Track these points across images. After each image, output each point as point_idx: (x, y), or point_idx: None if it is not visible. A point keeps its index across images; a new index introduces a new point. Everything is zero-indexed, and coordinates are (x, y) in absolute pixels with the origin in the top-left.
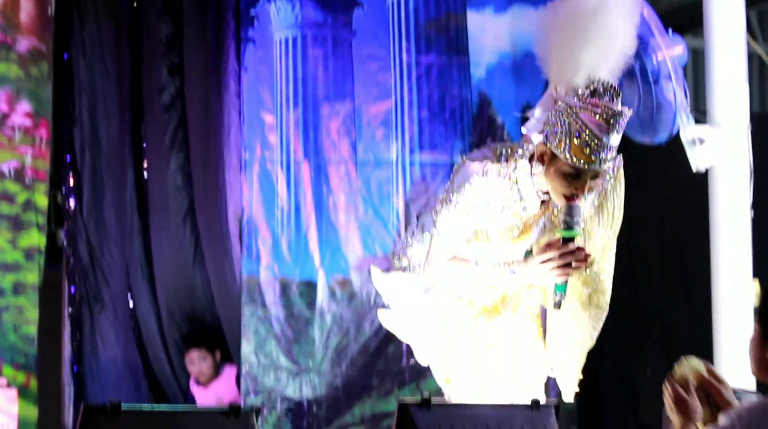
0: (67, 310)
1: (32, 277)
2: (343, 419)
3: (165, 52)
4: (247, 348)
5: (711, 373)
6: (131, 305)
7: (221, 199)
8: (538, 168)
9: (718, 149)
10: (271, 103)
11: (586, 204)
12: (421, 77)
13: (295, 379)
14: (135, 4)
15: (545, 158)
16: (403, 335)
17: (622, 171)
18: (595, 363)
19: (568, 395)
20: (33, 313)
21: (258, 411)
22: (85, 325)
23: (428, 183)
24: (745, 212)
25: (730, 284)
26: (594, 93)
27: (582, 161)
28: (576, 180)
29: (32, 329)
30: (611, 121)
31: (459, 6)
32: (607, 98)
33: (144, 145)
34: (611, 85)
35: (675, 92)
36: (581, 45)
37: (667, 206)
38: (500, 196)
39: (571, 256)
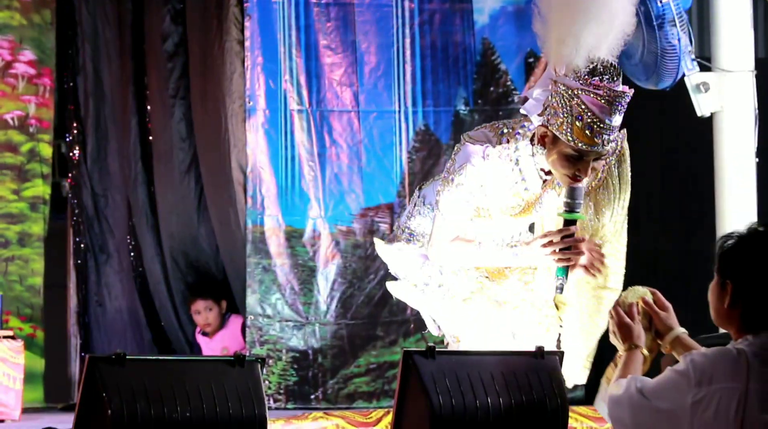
0: (72, 261)
1: (37, 227)
2: (348, 369)
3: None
4: (252, 298)
5: (656, 299)
6: (135, 255)
7: (225, 148)
8: (540, 150)
9: (722, 95)
10: (273, 51)
11: (589, 178)
12: (423, 25)
13: (300, 329)
14: None
15: (547, 140)
16: (413, 303)
17: (626, 144)
18: None
19: (572, 381)
20: (38, 264)
21: (263, 361)
22: (91, 275)
23: (431, 132)
24: (750, 158)
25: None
26: (594, 73)
27: (585, 144)
28: (579, 161)
29: (38, 280)
30: (613, 102)
31: None
32: (607, 78)
33: (147, 94)
34: (612, 65)
35: (679, 37)
36: (581, 24)
37: (671, 153)
38: (502, 177)
39: (572, 239)
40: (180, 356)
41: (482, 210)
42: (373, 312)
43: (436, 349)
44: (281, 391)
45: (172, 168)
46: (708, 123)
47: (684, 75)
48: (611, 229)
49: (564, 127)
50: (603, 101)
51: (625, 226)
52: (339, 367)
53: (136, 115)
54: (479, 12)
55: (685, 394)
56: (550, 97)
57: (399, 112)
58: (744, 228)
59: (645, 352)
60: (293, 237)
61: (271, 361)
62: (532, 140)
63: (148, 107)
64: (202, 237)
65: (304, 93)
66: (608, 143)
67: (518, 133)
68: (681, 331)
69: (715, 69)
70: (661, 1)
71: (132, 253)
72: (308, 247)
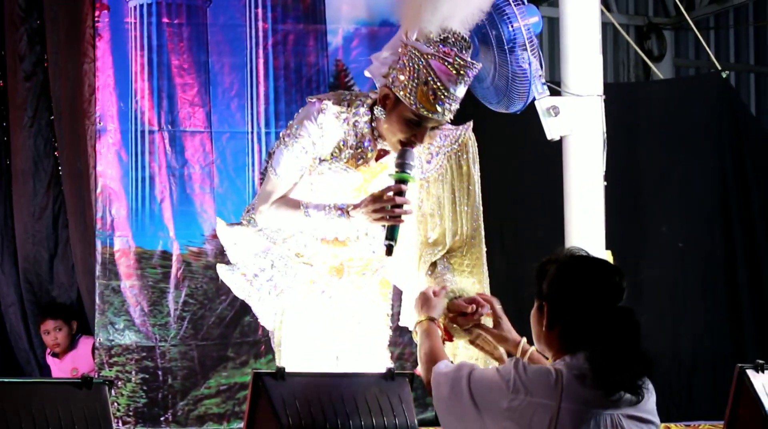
0: None
1: None
2: (198, 391)
3: (24, 17)
4: (101, 319)
5: (472, 300)
6: None
7: (83, 168)
8: (380, 112)
9: (572, 119)
10: (125, 72)
11: (430, 167)
12: (277, 45)
13: (151, 350)
14: None
15: (388, 102)
16: (240, 292)
17: (471, 135)
18: None
19: None
20: None
21: (111, 383)
22: None
23: None
24: (598, 182)
25: None
26: (445, 42)
27: (426, 109)
28: (416, 127)
29: None
30: (461, 71)
31: None
32: (457, 49)
33: (6, 113)
34: (463, 37)
35: (530, 61)
36: None
37: (521, 176)
38: (336, 136)
39: (402, 198)
40: (26, 378)
41: (317, 173)
42: (224, 333)
43: (286, 371)
44: (130, 413)
45: (31, 186)
46: (558, 146)
47: (534, 99)
48: (464, 227)
49: (408, 91)
50: (451, 69)
51: (482, 230)
52: (189, 388)
53: None
54: (333, 33)
55: (502, 397)
56: (397, 60)
57: (252, 132)
58: (560, 252)
59: (441, 324)
60: (143, 258)
61: (120, 382)
62: (371, 108)
63: (7, 126)
64: (59, 258)
65: (156, 113)
66: (448, 113)
67: (359, 101)
68: (532, 347)
69: (565, 93)
70: (512, 26)
71: None
72: (159, 268)
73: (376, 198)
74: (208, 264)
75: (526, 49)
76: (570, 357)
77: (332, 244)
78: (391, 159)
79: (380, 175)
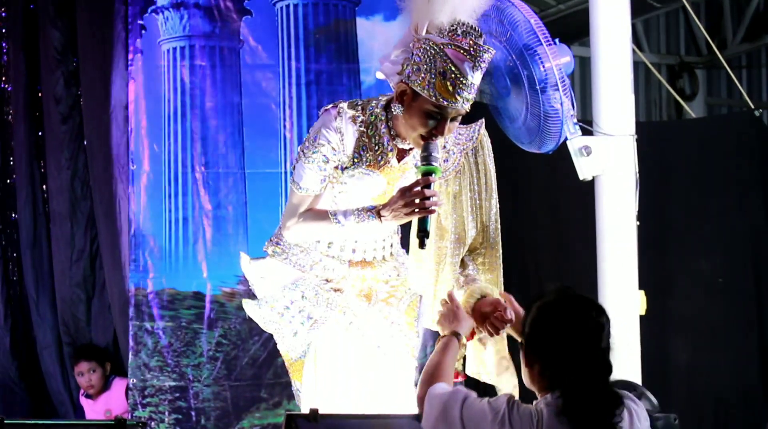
0: None
1: None
2: None
3: (61, 59)
4: (135, 360)
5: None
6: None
7: (116, 210)
8: (398, 108)
9: (604, 158)
10: (159, 114)
11: (447, 166)
12: (310, 85)
13: (184, 391)
14: (31, 6)
15: (406, 98)
16: (270, 326)
17: (485, 132)
18: None
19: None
20: None
21: (144, 424)
22: None
23: None
24: (631, 221)
25: (617, 295)
26: (457, 32)
27: (446, 99)
28: (436, 119)
29: None
30: (477, 56)
31: (348, 13)
32: (470, 36)
33: (44, 155)
34: (473, 27)
35: (562, 101)
36: None
37: (554, 215)
38: (355, 139)
39: (431, 190)
40: (60, 420)
41: (338, 182)
42: (257, 373)
43: (319, 413)
44: None
45: (69, 228)
46: (590, 186)
47: (566, 139)
48: (486, 222)
49: (426, 83)
50: (467, 55)
51: (499, 227)
52: None
53: (36, 175)
54: (366, 72)
55: (487, 426)
56: (411, 56)
57: (285, 173)
58: (549, 290)
59: (464, 341)
60: (177, 299)
61: (153, 423)
62: (386, 108)
63: (46, 169)
64: (96, 299)
65: (189, 155)
66: (467, 101)
67: (373, 103)
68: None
69: (597, 133)
70: (544, 66)
71: (16, 317)
72: (192, 309)
73: (405, 193)
74: (241, 305)
75: (557, 89)
76: (550, 395)
77: (360, 267)
78: (411, 160)
79: (402, 178)
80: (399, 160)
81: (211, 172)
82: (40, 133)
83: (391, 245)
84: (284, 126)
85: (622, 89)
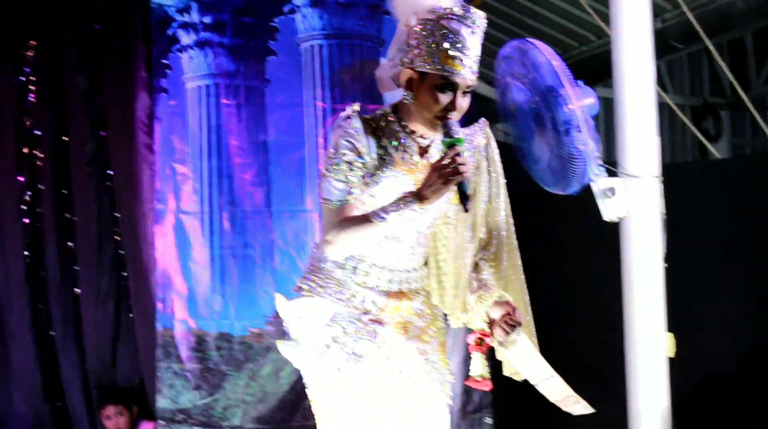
0: None
1: None
2: None
3: (86, 102)
4: (162, 403)
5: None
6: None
7: (143, 251)
8: (408, 96)
9: (629, 200)
10: (184, 154)
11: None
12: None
13: None
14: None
15: (414, 82)
16: (309, 366)
17: (489, 131)
18: None
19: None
20: None
21: None
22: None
23: None
24: (657, 263)
25: (645, 337)
26: (447, 8)
27: (451, 68)
28: (447, 94)
29: None
30: (471, 20)
31: (373, 53)
32: (461, 8)
33: (71, 199)
34: (462, 4)
35: (586, 142)
36: None
37: (579, 256)
38: (374, 140)
39: (461, 157)
40: None
41: (366, 192)
42: (285, 417)
43: None
44: None
45: (94, 272)
46: (615, 227)
47: (591, 180)
48: (500, 217)
49: (431, 58)
50: (462, 19)
51: (512, 227)
52: None
53: (61, 216)
54: None
55: None
56: (408, 46)
57: (312, 211)
58: None
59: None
60: (204, 340)
61: None
62: (394, 110)
63: (72, 209)
64: (122, 342)
65: (216, 194)
66: (472, 71)
67: (378, 112)
68: None
69: (622, 174)
70: (567, 107)
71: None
72: (220, 350)
73: (437, 166)
74: (269, 345)
75: (581, 131)
76: None
77: (396, 298)
78: (436, 152)
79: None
80: (421, 156)
81: (238, 210)
82: (66, 176)
83: (423, 278)
84: (310, 165)
85: (647, 130)
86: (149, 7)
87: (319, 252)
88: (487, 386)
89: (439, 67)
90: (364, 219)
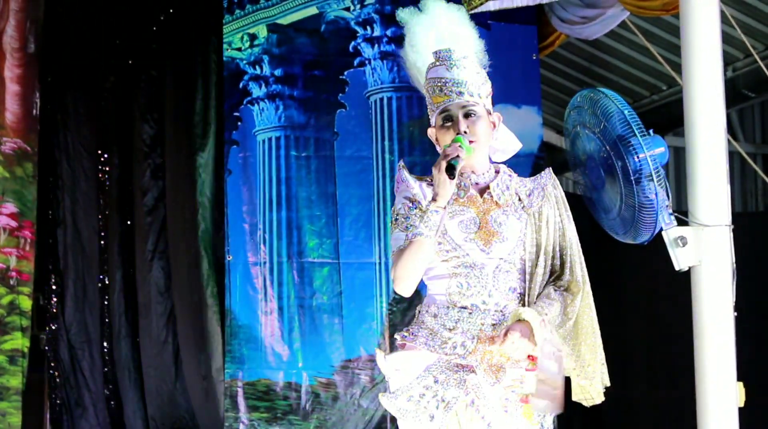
0: (48, 416)
1: (15, 381)
2: None
3: (148, 152)
4: None
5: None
6: (113, 410)
7: (202, 303)
8: (438, 147)
9: (700, 249)
10: (255, 204)
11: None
12: None
13: None
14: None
15: (435, 135)
16: (407, 416)
17: (551, 176)
18: None
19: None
20: (16, 418)
21: None
22: None
23: None
24: (728, 312)
25: (715, 387)
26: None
27: (441, 101)
28: (450, 121)
29: None
30: (441, 57)
31: None
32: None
33: (131, 249)
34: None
35: (657, 191)
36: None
37: (650, 305)
38: (429, 185)
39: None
40: None
41: (441, 232)
42: None
43: None
44: None
45: (151, 322)
46: (686, 277)
47: (662, 229)
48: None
49: (430, 107)
50: (437, 63)
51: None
52: None
53: (121, 269)
54: None
55: None
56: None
57: (380, 263)
58: None
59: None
60: (272, 390)
61: None
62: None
63: (128, 266)
64: (178, 391)
65: (285, 245)
66: (460, 95)
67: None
68: None
69: (693, 223)
70: (638, 157)
71: (109, 408)
72: (287, 399)
73: (441, 158)
74: (336, 395)
75: (652, 180)
76: None
77: (487, 343)
78: (497, 190)
79: (493, 211)
80: (481, 195)
81: (306, 261)
82: (129, 223)
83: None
84: (378, 217)
85: (718, 179)
86: (222, 61)
87: (419, 307)
88: None
89: (434, 108)
90: (408, 243)
